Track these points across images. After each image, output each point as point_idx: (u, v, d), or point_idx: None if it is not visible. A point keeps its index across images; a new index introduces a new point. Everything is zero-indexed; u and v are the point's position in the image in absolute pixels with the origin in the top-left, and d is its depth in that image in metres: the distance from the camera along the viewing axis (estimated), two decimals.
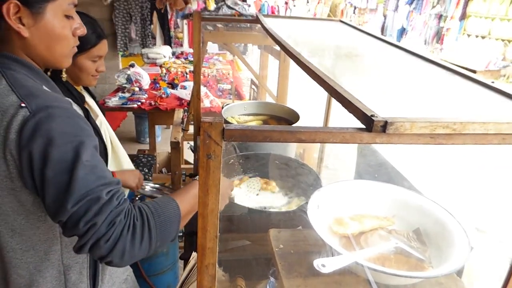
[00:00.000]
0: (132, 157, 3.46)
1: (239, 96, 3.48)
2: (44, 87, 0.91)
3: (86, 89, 1.71)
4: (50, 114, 0.81)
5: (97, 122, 1.65)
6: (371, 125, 0.69)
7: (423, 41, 11.12)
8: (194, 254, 1.15)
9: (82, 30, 0.98)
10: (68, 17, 0.94)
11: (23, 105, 0.81)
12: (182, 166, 2.60)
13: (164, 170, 4.22)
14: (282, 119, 1.96)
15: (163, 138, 5.39)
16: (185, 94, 3.36)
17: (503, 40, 9.49)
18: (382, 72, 1.13)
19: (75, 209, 0.79)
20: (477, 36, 9.94)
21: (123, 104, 3.27)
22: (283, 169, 1.62)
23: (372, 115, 0.71)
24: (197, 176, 1.06)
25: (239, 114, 1.99)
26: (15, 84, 0.85)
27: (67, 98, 0.92)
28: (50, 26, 0.91)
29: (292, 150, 1.83)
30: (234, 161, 1.63)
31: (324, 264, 0.88)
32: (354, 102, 0.75)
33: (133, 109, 3.30)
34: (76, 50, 1.01)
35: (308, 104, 7.12)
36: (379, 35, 1.48)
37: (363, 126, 0.73)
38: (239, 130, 0.67)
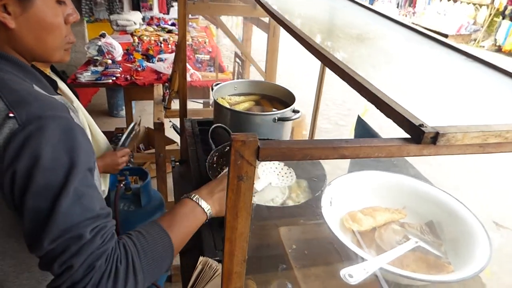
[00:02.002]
0: (110, 136, 3.29)
1: (221, 69, 3.33)
2: (35, 87, 0.78)
3: (54, 70, 1.55)
4: (41, 127, 0.69)
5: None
6: (421, 137, 0.62)
7: (395, 5, 11.07)
8: (200, 259, 1.08)
9: (75, 17, 0.84)
10: (60, 2, 0.80)
11: (11, 115, 0.69)
12: (167, 147, 2.48)
13: (141, 146, 4.07)
14: (276, 100, 1.87)
15: (137, 111, 5.18)
16: (163, 67, 3.18)
17: (474, 4, 9.56)
18: (397, 58, 1.06)
19: (51, 247, 0.69)
20: (449, 0, 9.96)
21: (96, 79, 3.06)
22: None
23: (420, 125, 0.63)
24: (192, 194, 0.96)
25: (229, 94, 1.88)
26: (3, 88, 0.72)
27: (61, 102, 0.79)
28: (41, 15, 0.77)
29: (287, 132, 1.75)
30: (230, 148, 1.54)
31: (352, 275, 0.83)
32: (399, 110, 0.67)
33: (108, 85, 3.10)
34: (69, 40, 0.87)
35: (297, 80, 7.02)
36: (378, 10, 1.39)
37: (407, 135, 0.66)
38: (276, 148, 0.58)
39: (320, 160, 1.58)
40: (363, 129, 1.72)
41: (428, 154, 0.65)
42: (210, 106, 3.00)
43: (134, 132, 1.79)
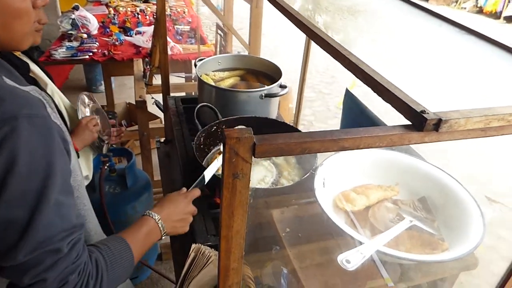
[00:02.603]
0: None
1: (203, 41, 3.21)
2: (6, 80, 0.71)
3: (25, 52, 1.46)
4: (16, 128, 0.62)
5: (48, 91, 1.43)
6: (423, 124, 0.59)
7: None
8: (193, 246, 1.05)
9: (44, 0, 0.77)
10: None
11: None
12: (150, 125, 2.41)
13: (123, 122, 3.97)
14: (262, 74, 1.81)
15: (117, 85, 5.03)
16: (142, 41, 3.04)
17: None
18: (390, 31, 1.01)
19: (26, 259, 0.65)
20: None
21: (72, 55, 2.91)
22: (268, 131, 1.50)
23: (422, 111, 0.60)
24: (155, 215, 0.95)
25: (213, 70, 1.81)
26: None
27: (37, 96, 0.73)
28: (6, 0, 0.69)
29: (274, 108, 1.71)
30: (217, 128, 1.49)
31: (349, 260, 0.82)
32: (399, 95, 0.63)
33: (85, 61, 2.96)
34: (38, 26, 0.80)
35: (282, 51, 6.85)
36: None
37: (408, 122, 0.63)
38: (273, 144, 0.54)
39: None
40: (351, 102, 1.69)
41: (429, 141, 0.62)
42: (193, 80, 2.91)
43: (88, 108, 1.69)
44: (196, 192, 1.06)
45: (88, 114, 1.67)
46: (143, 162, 2.53)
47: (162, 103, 2.33)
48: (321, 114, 5.23)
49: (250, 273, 1.04)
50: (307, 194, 1.23)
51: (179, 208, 1.00)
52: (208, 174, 1.06)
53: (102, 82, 4.07)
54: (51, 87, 1.48)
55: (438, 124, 0.59)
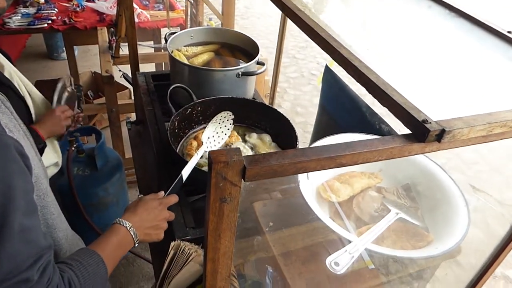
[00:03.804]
0: (53, 86, 2.98)
1: (172, 7, 3.01)
2: None
3: None
4: None
5: (6, 74, 1.29)
6: (426, 135, 0.54)
7: None
8: (172, 244, 1.00)
9: None
10: None
11: None
12: (119, 98, 2.27)
13: (89, 93, 3.77)
14: (237, 49, 1.71)
15: (80, 52, 4.75)
16: (106, 7, 2.82)
17: None
18: (379, 19, 0.94)
19: None
20: None
21: (29, 24, 2.67)
22: (245, 111, 1.43)
23: (424, 121, 0.55)
24: (126, 223, 0.89)
25: (185, 45, 1.70)
26: None
27: None
28: None
29: (251, 86, 1.63)
30: (192, 110, 1.41)
31: (337, 262, 0.79)
32: (398, 100, 0.58)
33: (44, 30, 2.73)
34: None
35: (252, 16, 6.56)
36: None
37: (408, 130, 0.59)
38: (265, 166, 0.48)
39: (276, 107, 1.49)
40: (332, 79, 1.63)
41: (430, 151, 0.58)
42: (163, 50, 2.76)
43: (66, 94, 1.59)
44: (173, 199, 0.99)
45: (63, 102, 1.54)
46: (113, 140, 2.41)
47: (130, 76, 2.20)
48: (295, 80, 5.15)
49: (234, 269, 1.00)
50: (288, 180, 1.19)
51: (153, 215, 0.94)
52: (186, 172, 0.99)
53: (64, 49, 3.81)
54: (10, 70, 1.34)
55: (441, 134, 0.55)
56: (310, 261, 0.94)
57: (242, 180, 0.49)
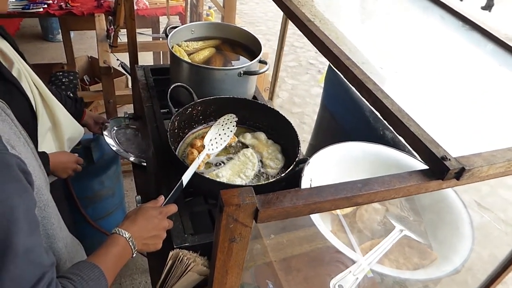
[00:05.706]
0: (49, 72, 2.92)
1: None
2: None
3: None
4: None
5: (14, 72, 1.25)
6: (445, 173, 0.52)
7: None
8: (171, 253, 0.98)
9: None
10: None
11: None
12: (116, 89, 2.22)
13: (86, 78, 3.71)
14: (239, 45, 1.67)
15: (76, 34, 4.64)
16: None
17: None
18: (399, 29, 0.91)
19: None
20: None
21: (24, 7, 2.59)
22: (246, 112, 1.40)
23: (443, 158, 0.53)
24: (125, 233, 0.87)
25: (186, 39, 1.65)
26: None
27: None
28: None
29: (252, 85, 1.59)
30: (192, 110, 1.37)
31: (342, 285, 0.78)
32: (416, 132, 0.55)
33: (39, 14, 2.65)
34: None
35: (256, 13, 6.43)
36: None
37: (426, 165, 0.56)
38: (279, 208, 0.46)
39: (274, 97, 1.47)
40: (335, 80, 1.60)
41: (447, 187, 0.56)
42: (161, 39, 2.70)
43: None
44: (173, 208, 0.97)
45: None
46: None
47: (128, 65, 2.15)
48: (292, 69, 5.10)
49: None
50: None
51: (152, 224, 0.92)
52: (186, 178, 0.97)
53: (60, 31, 3.72)
54: (19, 67, 1.29)
55: (460, 172, 0.52)
56: (312, 274, 0.93)
57: (254, 221, 0.46)
